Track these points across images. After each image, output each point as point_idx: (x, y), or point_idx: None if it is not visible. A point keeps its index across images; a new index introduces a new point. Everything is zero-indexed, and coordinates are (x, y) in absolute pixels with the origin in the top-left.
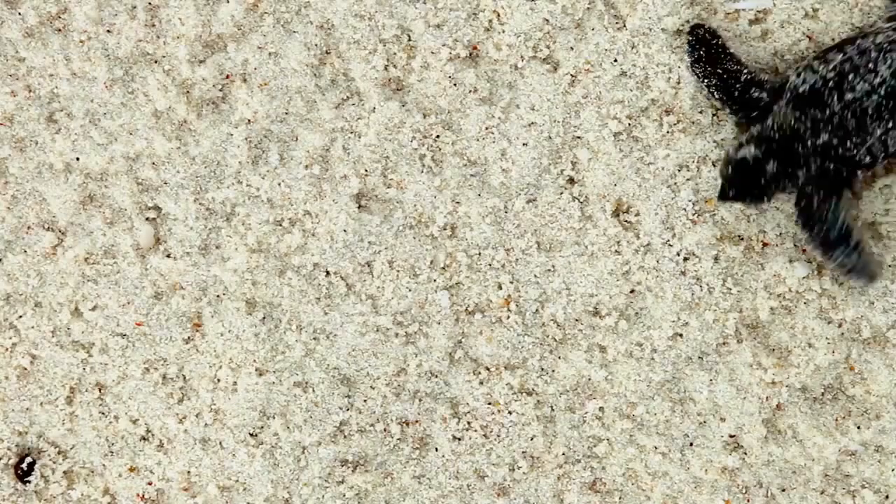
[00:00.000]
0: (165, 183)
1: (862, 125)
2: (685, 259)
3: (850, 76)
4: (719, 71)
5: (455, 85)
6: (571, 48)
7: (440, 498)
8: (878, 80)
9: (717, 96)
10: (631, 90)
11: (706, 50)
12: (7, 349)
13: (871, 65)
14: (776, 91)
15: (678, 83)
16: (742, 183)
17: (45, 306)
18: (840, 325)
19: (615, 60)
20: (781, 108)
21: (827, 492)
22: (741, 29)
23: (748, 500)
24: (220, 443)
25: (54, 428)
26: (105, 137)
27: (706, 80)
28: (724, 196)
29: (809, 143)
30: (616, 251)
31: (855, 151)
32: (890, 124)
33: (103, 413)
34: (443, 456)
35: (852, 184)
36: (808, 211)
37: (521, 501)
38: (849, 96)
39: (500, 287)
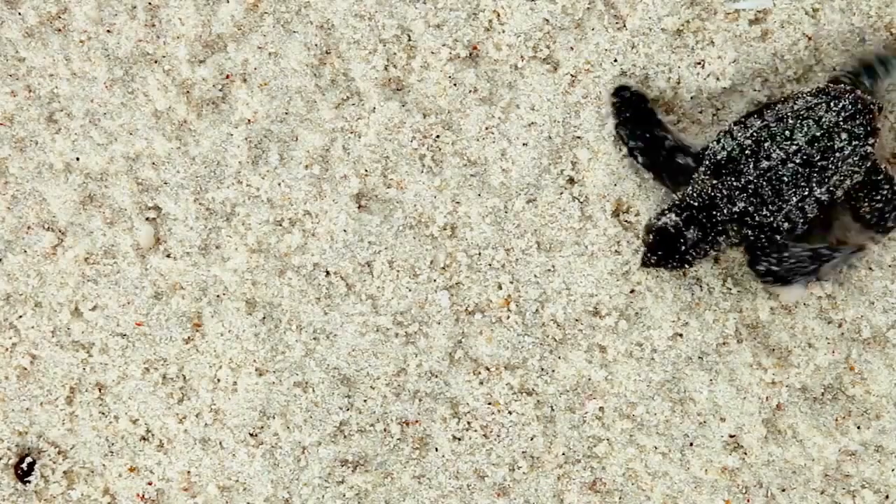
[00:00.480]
0: (165, 183)
1: (779, 192)
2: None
3: (767, 143)
4: (646, 135)
5: (455, 85)
6: (571, 48)
7: (440, 498)
8: (794, 147)
9: (640, 161)
10: None
11: (633, 113)
12: (7, 349)
13: (787, 132)
14: (698, 156)
15: (678, 83)
16: (664, 250)
17: (45, 306)
18: (840, 325)
19: (615, 60)
20: (700, 175)
21: (827, 492)
22: (741, 29)
23: (748, 500)
24: (220, 443)
25: (54, 428)
26: (105, 137)
27: (631, 143)
28: (646, 263)
29: (726, 210)
30: (616, 251)
31: (772, 219)
32: (807, 192)
33: (103, 413)
34: (443, 456)
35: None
36: (771, 274)
37: (521, 501)
38: (765, 164)
39: (500, 287)
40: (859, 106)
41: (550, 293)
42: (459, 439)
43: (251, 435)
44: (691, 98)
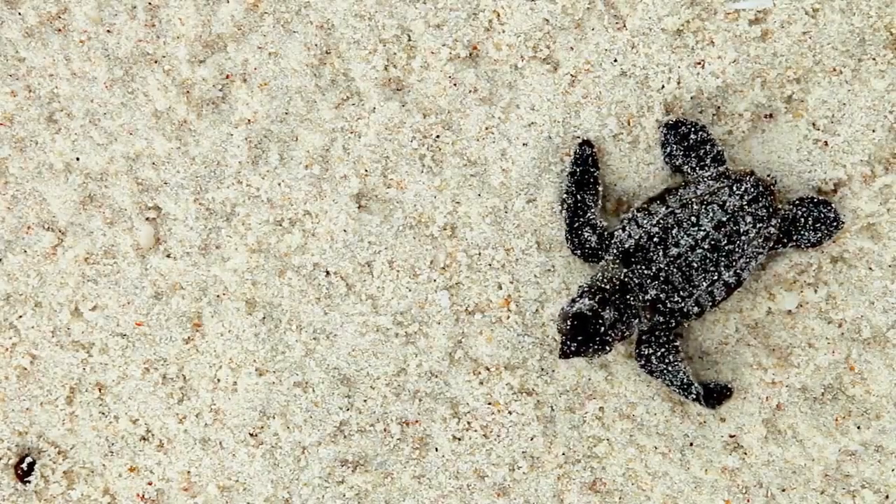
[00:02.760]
0: (165, 183)
1: (689, 279)
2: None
3: (674, 231)
4: (579, 195)
5: (455, 85)
6: (571, 48)
7: (440, 498)
8: (701, 233)
9: (563, 216)
10: (631, 90)
11: (581, 171)
12: (7, 349)
13: (693, 218)
14: (604, 240)
15: (678, 83)
16: (583, 335)
17: (45, 306)
18: (840, 325)
19: (615, 60)
20: (609, 261)
21: (827, 492)
22: (741, 29)
23: (748, 500)
24: (220, 443)
25: (54, 428)
26: (105, 137)
27: (565, 197)
28: (565, 353)
29: (639, 296)
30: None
31: (682, 304)
32: (716, 276)
33: (103, 413)
34: (443, 456)
35: (679, 332)
36: (647, 367)
37: (521, 501)
38: (674, 251)
39: (500, 287)
40: (761, 188)
41: (550, 293)
42: (459, 439)
43: (251, 435)
44: (691, 98)
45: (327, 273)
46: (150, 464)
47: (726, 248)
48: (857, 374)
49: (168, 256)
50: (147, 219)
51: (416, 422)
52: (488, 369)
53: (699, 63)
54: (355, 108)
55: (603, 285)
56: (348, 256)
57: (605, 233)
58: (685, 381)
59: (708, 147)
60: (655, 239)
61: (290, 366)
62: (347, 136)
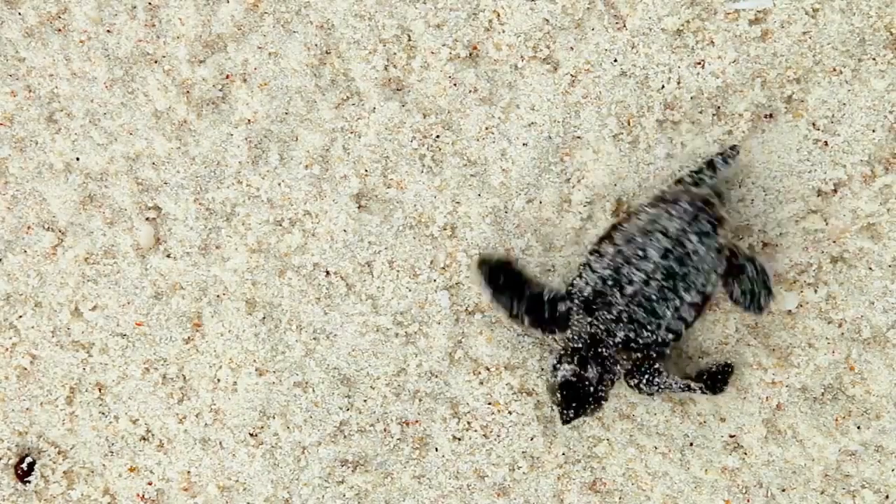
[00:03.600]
0: (165, 183)
1: (652, 312)
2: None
3: (626, 269)
4: (524, 297)
5: (455, 85)
6: (571, 48)
7: (440, 498)
8: (650, 265)
9: (527, 321)
10: (631, 90)
11: (505, 279)
12: (7, 349)
13: (640, 251)
14: (556, 304)
15: (678, 83)
16: (576, 400)
17: (45, 306)
18: (840, 325)
19: (615, 60)
20: (574, 316)
21: (827, 492)
22: (741, 29)
23: (748, 500)
24: (220, 443)
25: (54, 428)
26: (105, 137)
27: (512, 308)
28: (566, 420)
29: (610, 342)
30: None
31: (655, 336)
32: (678, 301)
33: (103, 413)
34: (443, 456)
35: (664, 356)
36: (641, 392)
37: (521, 501)
38: (630, 289)
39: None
40: (697, 204)
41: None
42: (459, 439)
43: (251, 435)
44: (691, 98)
45: (327, 273)
46: (150, 464)
47: (680, 272)
48: (857, 374)
49: (168, 256)
50: (147, 219)
51: (416, 422)
52: (488, 369)
53: (699, 63)
54: (355, 108)
55: (577, 345)
56: (348, 256)
57: (557, 295)
58: (681, 387)
59: None
60: (609, 282)
61: (290, 366)
62: (347, 136)
